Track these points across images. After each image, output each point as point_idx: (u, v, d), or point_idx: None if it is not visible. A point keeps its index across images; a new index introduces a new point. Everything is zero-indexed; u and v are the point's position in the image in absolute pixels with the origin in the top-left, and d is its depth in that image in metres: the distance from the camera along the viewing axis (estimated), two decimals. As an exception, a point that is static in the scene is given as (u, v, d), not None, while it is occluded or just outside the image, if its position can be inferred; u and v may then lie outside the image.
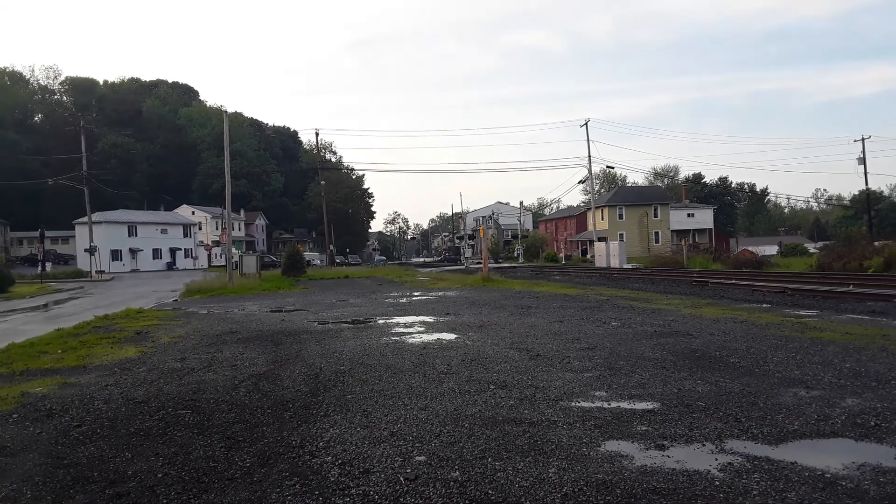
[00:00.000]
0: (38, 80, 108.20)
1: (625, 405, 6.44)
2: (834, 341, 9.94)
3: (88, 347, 11.59)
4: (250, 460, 5.06)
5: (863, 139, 61.06)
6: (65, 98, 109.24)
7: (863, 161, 61.06)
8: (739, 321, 12.90)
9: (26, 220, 77.81)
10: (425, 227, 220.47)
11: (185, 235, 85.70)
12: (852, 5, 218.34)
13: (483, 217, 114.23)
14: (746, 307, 16.37)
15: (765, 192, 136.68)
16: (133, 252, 76.81)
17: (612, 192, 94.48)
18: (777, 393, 6.72)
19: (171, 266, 79.53)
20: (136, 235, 78.00)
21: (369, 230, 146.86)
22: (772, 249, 69.14)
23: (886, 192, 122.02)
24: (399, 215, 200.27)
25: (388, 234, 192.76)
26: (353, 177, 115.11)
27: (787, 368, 7.94)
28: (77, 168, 58.63)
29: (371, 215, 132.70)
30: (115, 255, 72.95)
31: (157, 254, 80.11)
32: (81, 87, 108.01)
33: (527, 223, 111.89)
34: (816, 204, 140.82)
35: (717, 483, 4.30)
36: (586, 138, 58.77)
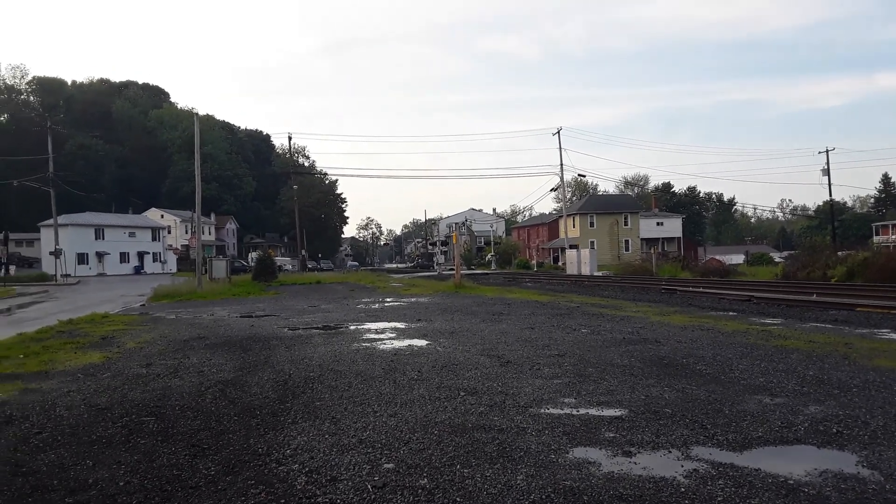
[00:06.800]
0: (3, 80, 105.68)
1: (593, 412, 6.48)
2: (798, 349, 10.12)
3: (51, 352, 11.33)
4: (215, 468, 4.98)
5: (827, 151, 62.53)
6: (32, 98, 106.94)
7: (827, 172, 62.45)
8: (706, 329, 13.08)
9: (-10, 222, 75.94)
10: (398, 233, 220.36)
11: (154, 239, 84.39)
12: (818, 18, 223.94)
13: (456, 223, 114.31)
14: (713, 315, 16.60)
15: (732, 202, 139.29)
16: (100, 255, 75.39)
17: (583, 200, 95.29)
18: (742, 400, 6.81)
19: (139, 270, 78.19)
20: (104, 239, 76.55)
21: (342, 235, 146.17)
22: (738, 258, 70.19)
23: (850, 203, 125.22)
24: (372, 221, 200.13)
25: (361, 239, 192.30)
26: (326, 182, 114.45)
27: (752, 376, 8.06)
28: (43, 169, 57.43)
29: (344, 221, 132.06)
30: (82, 258, 71.52)
31: (124, 257, 78.66)
32: (49, 87, 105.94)
33: (500, 230, 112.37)
34: (782, 214, 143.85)
35: (683, 490, 4.34)
36: (558, 146, 59.43)
